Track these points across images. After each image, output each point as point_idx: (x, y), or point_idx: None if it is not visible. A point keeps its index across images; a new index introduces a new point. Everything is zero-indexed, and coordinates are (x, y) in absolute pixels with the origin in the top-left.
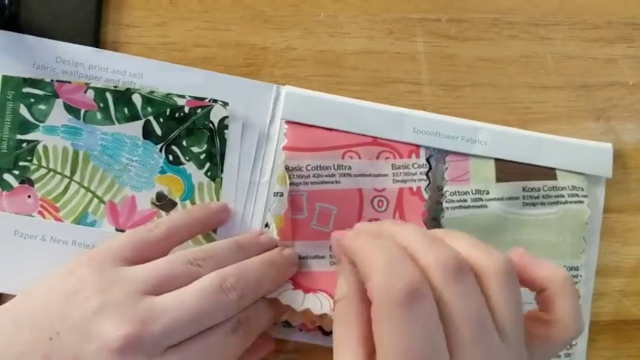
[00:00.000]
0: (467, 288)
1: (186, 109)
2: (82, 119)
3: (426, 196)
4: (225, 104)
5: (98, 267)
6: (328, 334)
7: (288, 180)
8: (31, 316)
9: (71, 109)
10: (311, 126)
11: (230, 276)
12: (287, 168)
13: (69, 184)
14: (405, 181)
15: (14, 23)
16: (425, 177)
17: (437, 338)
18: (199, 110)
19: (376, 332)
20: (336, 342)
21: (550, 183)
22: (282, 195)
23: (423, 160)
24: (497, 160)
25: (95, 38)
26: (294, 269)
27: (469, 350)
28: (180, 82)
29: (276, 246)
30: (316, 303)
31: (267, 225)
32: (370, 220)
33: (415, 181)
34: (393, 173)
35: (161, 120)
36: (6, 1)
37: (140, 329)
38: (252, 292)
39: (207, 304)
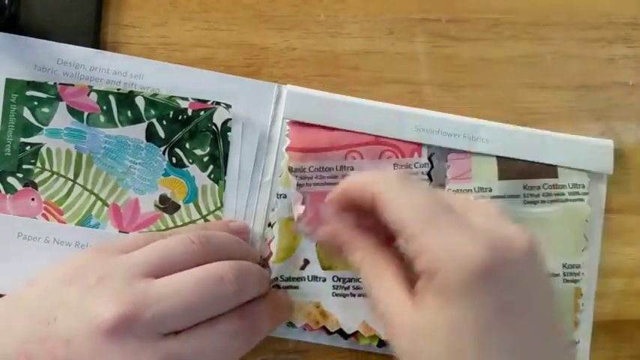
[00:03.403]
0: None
1: (190, 112)
2: (85, 122)
3: None
4: (228, 106)
5: (102, 255)
6: (332, 333)
7: (294, 181)
8: (33, 302)
9: (74, 112)
10: (313, 126)
11: (232, 269)
12: (290, 169)
13: (72, 186)
14: None
15: (14, 23)
16: (426, 177)
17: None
18: (202, 112)
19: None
20: (377, 290)
21: (551, 181)
22: (285, 197)
23: (424, 159)
24: (499, 157)
25: (95, 39)
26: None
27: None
28: (180, 82)
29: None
30: None
31: (270, 225)
32: None
33: None
34: None
35: (164, 122)
36: (6, 2)
37: (132, 312)
38: (252, 287)
39: (205, 294)
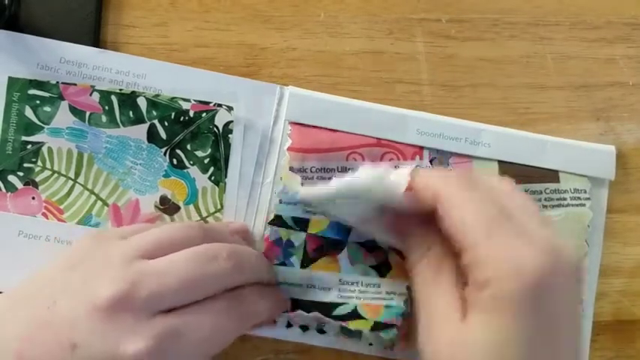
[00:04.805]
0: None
1: (191, 113)
2: (87, 122)
3: None
4: (230, 108)
5: (101, 241)
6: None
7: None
8: (33, 291)
9: (76, 112)
10: (315, 127)
11: (225, 247)
12: (291, 169)
13: (73, 186)
14: None
15: (14, 23)
16: None
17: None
18: (204, 114)
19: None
20: (429, 289)
21: (552, 186)
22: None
23: (426, 162)
24: (500, 162)
25: (95, 38)
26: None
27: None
28: (183, 82)
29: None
30: None
31: (269, 223)
32: None
33: None
34: None
35: (166, 123)
36: (6, 1)
37: (128, 289)
38: (247, 268)
39: (198, 270)
